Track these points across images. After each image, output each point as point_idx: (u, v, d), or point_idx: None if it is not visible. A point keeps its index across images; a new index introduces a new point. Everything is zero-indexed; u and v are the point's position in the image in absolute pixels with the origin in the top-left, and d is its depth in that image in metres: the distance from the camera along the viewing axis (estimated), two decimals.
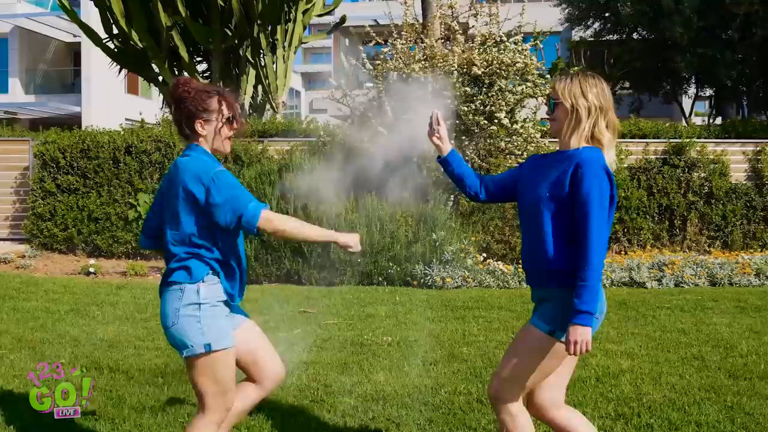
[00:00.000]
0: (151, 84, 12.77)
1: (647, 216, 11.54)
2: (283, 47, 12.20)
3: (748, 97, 14.33)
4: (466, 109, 9.10)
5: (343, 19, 13.93)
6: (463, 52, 9.03)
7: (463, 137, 9.12)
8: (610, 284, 8.94)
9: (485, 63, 9.15)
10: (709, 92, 15.50)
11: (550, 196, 2.81)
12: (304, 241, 2.79)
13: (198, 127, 2.88)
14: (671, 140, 11.91)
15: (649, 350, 5.69)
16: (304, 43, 13.74)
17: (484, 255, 9.16)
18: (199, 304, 2.84)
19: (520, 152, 9.31)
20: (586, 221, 2.71)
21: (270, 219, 2.82)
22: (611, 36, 15.22)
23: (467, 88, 8.94)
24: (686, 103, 19.06)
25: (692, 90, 14.91)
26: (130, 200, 11.27)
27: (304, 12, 12.75)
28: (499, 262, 9.15)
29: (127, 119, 21.95)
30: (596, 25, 15.27)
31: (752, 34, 12.34)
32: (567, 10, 15.43)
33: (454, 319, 6.94)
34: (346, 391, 4.64)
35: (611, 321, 6.73)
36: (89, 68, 28.60)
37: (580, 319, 2.67)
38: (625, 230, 11.43)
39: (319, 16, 13.21)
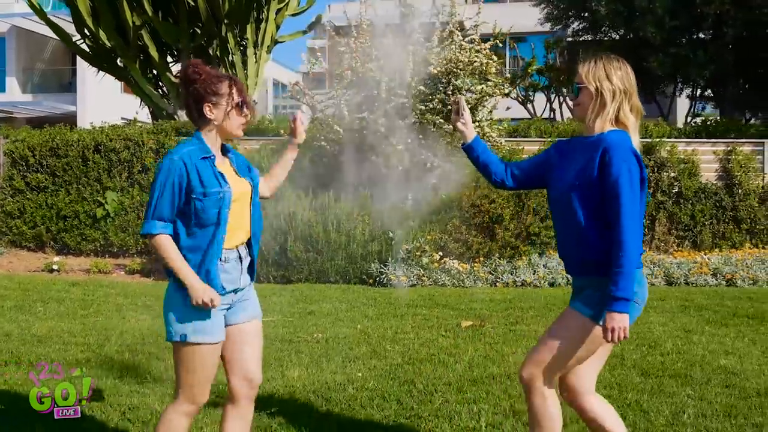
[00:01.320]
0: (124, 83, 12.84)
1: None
2: (255, 46, 12.26)
3: (724, 96, 14.28)
4: (423, 108, 9.11)
5: (318, 18, 13.98)
6: (420, 50, 9.03)
7: (420, 136, 9.13)
8: (566, 283, 8.95)
9: (444, 61, 9.16)
10: (687, 92, 15.49)
11: (580, 183, 2.77)
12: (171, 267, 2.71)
13: (206, 110, 2.85)
14: (641, 140, 11.88)
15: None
16: (282, 42, 13.79)
17: (441, 254, 9.18)
18: (185, 293, 2.80)
19: None
20: (618, 206, 2.67)
21: (152, 246, 2.84)
22: (589, 36, 15.20)
23: (422, 87, 8.95)
24: (684, 104, 18.96)
25: (670, 90, 14.87)
26: (98, 198, 11.34)
27: (277, 11, 12.79)
28: (455, 261, 9.17)
29: (123, 118, 22.08)
30: (575, 24, 15.26)
31: (724, 33, 12.30)
32: (546, 10, 15.42)
33: (392, 316, 6.97)
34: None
35: (547, 319, 6.75)
36: (84, 67, 28.73)
37: (617, 306, 2.64)
38: None
39: (293, 15, 13.24)
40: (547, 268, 9.20)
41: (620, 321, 2.65)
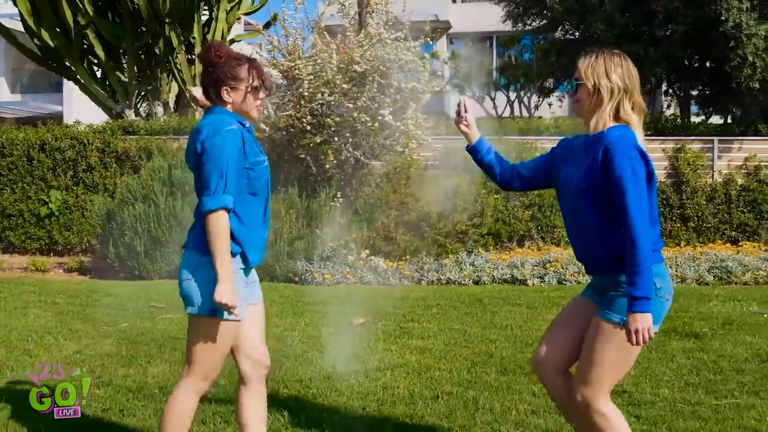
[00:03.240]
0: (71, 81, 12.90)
1: (561, 213, 11.48)
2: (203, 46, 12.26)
3: (678, 95, 14.19)
4: (351, 106, 9.11)
5: (274, 17, 13.97)
6: (344, 47, 9.04)
7: (348, 134, 9.14)
8: (491, 281, 8.93)
9: (370, 59, 9.15)
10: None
11: (586, 184, 2.73)
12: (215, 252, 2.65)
13: (224, 93, 2.84)
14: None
15: (450, 346, 5.69)
16: (238, 41, 13.84)
17: (367, 252, 9.18)
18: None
19: (402, 149, 9.33)
20: (624, 204, 2.62)
21: (212, 222, 2.72)
22: (548, 33, 15.14)
23: (345, 85, 8.94)
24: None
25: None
26: (42, 197, 11.42)
27: (229, 10, 12.82)
28: (382, 259, 9.16)
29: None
30: (535, 23, 15.21)
31: (674, 30, 12.22)
32: (507, 9, 15.38)
33: (292, 314, 6.98)
34: (104, 384, 4.69)
35: (448, 317, 6.75)
36: None
37: (638, 306, 2.60)
38: (539, 227, 11.36)
39: (246, 14, 13.26)
40: (474, 266, 9.18)
41: (643, 321, 2.60)
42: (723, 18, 11.42)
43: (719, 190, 11.66)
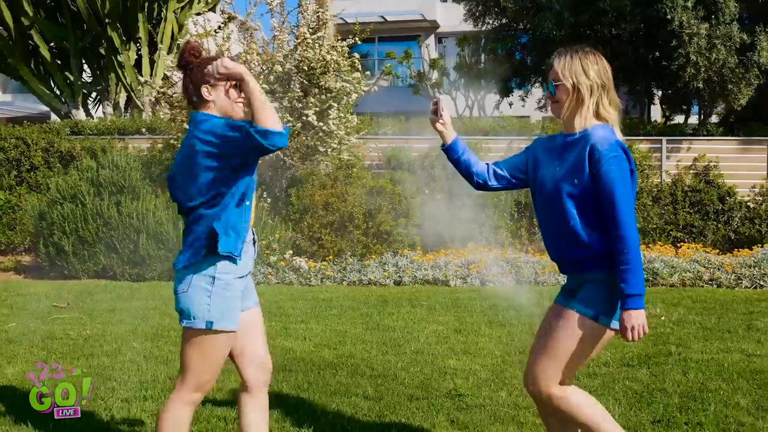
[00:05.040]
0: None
1: (504, 214, 11.42)
2: (151, 46, 12.31)
3: (630, 94, 14.07)
4: (277, 106, 9.09)
5: (230, 17, 13.96)
6: (265, 49, 9.03)
7: None
8: (413, 282, 8.89)
9: (295, 60, 9.14)
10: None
11: (570, 183, 2.70)
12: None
13: (204, 92, 2.82)
14: (520, 138, 11.81)
15: (319, 347, 5.66)
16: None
17: (291, 252, 9.16)
18: (214, 277, 2.77)
19: (325, 149, 9.30)
20: (613, 203, 2.62)
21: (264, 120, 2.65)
22: (505, 32, 15.06)
23: (265, 86, 8.93)
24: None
25: None
26: None
27: (180, 10, 12.83)
28: (303, 260, 9.14)
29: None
30: (494, 22, 15.14)
31: (622, 30, 12.13)
32: (467, 8, 15.32)
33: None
34: None
35: (319, 318, 6.73)
36: None
37: (631, 303, 2.59)
38: (482, 229, 11.29)
39: (198, 14, 13.26)
40: (397, 266, 9.14)
41: (637, 318, 2.60)
42: (669, 17, 11.32)
43: (665, 190, 11.56)
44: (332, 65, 9.06)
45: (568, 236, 2.73)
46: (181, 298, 2.81)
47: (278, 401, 4.20)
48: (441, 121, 3.02)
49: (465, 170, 3.06)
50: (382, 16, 29.88)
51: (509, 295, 7.86)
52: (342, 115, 9.17)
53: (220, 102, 2.84)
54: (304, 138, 9.10)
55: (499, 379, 4.79)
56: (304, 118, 9.05)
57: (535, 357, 2.82)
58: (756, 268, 9.08)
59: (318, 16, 9.10)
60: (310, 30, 9.09)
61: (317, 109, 9.10)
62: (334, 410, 4.15)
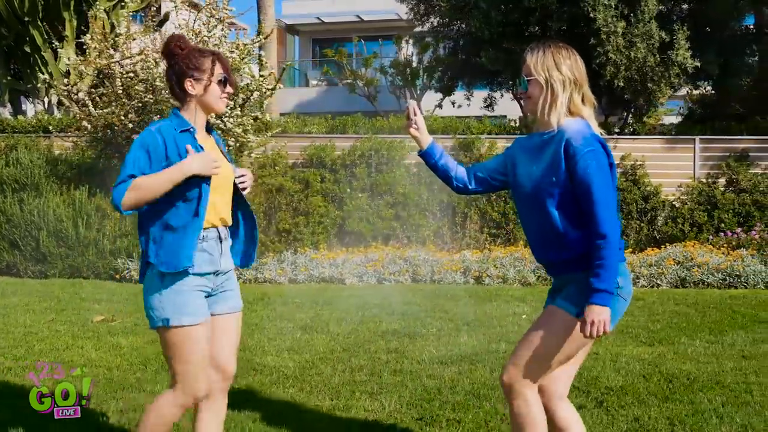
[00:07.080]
0: None
1: (427, 213, 11.40)
2: (79, 46, 12.33)
3: None
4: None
5: (166, 16, 13.98)
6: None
7: None
8: (308, 280, 8.89)
9: None
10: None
11: (548, 182, 2.64)
12: (160, 193, 2.69)
13: (188, 85, 2.79)
14: (458, 136, 11.78)
15: (149, 344, 5.65)
16: (135, 39, 13.83)
17: None
18: (163, 275, 2.73)
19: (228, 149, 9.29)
20: (591, 198, 2.56)
21: (133, 192, 2.67)
22: (443, 31, 15.04)
23: (158, 83, 8.93)
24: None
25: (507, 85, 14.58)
26: None
27: (112, 8, 12.86)
28: None
29: None
30: (434, 20, 15.13)
31: (549, 28, 12.09)
32: (409, 7, 15.32)
33: (73, 310, 6.98)
34: None
35: None
36: None
37: (597, 298, 2.53)
38: (404, 227, 11.27)
39: (135, 12, 13.29)
40: (295, 264, 9.15)
41: (600, 314, 2.54)
42: (591, 16, 11.29)
43: None
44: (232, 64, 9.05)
45: (551, 237, 2.69)
46: (144, 301, 2.78)
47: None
48: (414, 125, 2.96)
49: (443, 175, 3.02)
50: (358, 16, 29.89)
51: (383, 293, 7.88)
52: (239, 113, 9.13)
53: (201, 97, 2.82)
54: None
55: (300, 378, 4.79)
56: None
57: (516, 348, 2.78)
58: (655, 267, 9.05)
59: (212, 14, 9.10)
60: (206, 27, 9.09)
61: None
62: None
